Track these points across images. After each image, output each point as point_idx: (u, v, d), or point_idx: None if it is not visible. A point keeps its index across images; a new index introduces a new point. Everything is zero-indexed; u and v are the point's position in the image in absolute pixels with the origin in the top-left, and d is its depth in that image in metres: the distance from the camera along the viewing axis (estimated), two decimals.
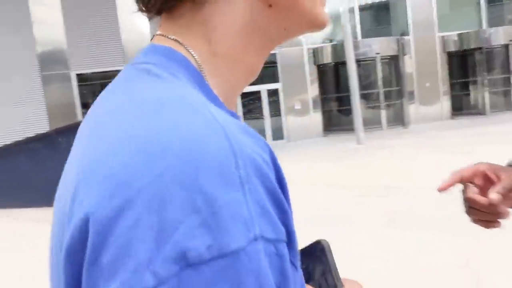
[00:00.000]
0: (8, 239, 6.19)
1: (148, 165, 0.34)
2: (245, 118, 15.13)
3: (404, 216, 4.84)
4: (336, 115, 15.99)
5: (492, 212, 0.73)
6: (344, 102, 15.02)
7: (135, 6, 0.49)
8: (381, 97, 15.31)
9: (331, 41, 16.02)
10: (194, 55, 0.45)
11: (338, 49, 14.68)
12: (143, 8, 0.47)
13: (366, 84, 15.73)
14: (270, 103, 15.31)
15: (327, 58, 15.46)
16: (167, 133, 0.35)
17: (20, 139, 9.42)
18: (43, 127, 12.96)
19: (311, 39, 15.83)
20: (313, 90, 15.51)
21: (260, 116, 15.30)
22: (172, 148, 0.34)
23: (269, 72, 15.61)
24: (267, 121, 15.28)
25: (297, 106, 15.27)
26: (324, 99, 15.82)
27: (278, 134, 15.26)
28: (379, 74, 15.31)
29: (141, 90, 0.41)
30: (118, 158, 0.35)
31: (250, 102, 15.33)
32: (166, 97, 0.39)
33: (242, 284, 0.32)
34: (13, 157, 8.11)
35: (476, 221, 0.76)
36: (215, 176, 0.33)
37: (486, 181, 0.75)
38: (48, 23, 13.17)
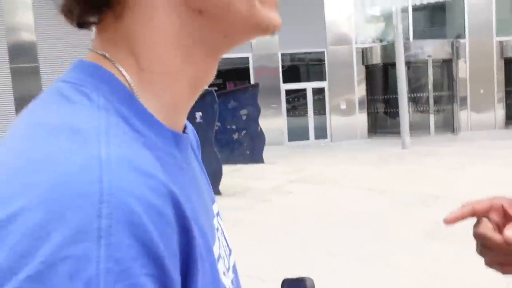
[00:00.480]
0: None
1: (1, 201, 0.30)
2: (289, 115, 15.04)
3: (445, 228, 4.62)
4: (382, 117, 15.59)
5: (509, 254, 0.61)
6: (391, 105, 14.63)
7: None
8: (431, 101, 14.78)
9: (381, 41, 15.62)
10: (122, 71, 0.41)
11: (388, 50, 14.29)
12: (67, 19, 0.43)
13: (415, 87, 15.23)
14: (315, 101, 15.14)
15: (376, 58, 15.08)
16: (37, 166, 0.31)
17: None
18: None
19: (361, 38, 15.50)
20: (360, 90, 15.20)
21: (304, 114, 15.16)
22: (35, 185, 0.30)
23: (316, 69, 15.43)
24: (311, 120, 15.12)
25: (343, 106, 15.01)
26: (370, 100, 15.46)
27: (321, 133, 15.08)
28: (430, 78, 14.77)
29: (39, 114, 0.38)
30: None
31: (295, 99, 15.21)
32: (57, 125, 0.35)
33: None
34: None
35: (490, 263, 0.65)
36: (69, 225, 0.29)
37: (504, 217, 0.64)
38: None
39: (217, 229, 0.52)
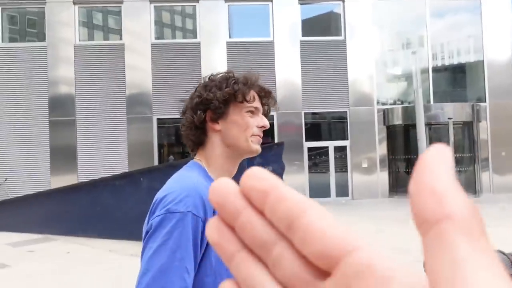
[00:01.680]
0: (82, 265, 6.79)
1: (170, 194, 1.17)
2: (311, 172, 15.38)
3: None
4: (403, 177, 15.79)
5: None
6: (411, 164, 14.87)
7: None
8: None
9: (402, 102, 16.12)
10: (203, 165, 1.31)
11: (408, 111, 14.74)
12: (190, 151, 1.36)
13: None
14: (336, 159, 15.51)
15: (397, 119, 15.53)
16: (180, 186, 1.18)
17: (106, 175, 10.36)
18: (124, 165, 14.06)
19: (382, 99, 16.06)
20: (381, 149, 15.54)
21: (326, 171, 15.49)
22: (178, 191, 1.16)
23: (338, 128, 15.93)
24: (332, 177, 15.42)
25: (364, 164, 15.32)
26: (391, 160, 15.76)
27: (343, 191, 15.31)
28: (451, 139, 15.07)
29: (183, 170, 1.29)
30: (161, 193, 1.20)
31: (317, 156, 15.62)
32: (186, 174, 1.25)
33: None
34: (98, 191, 8.94)
35: None
36: (184, 200, 1.15)
37: None
38: (139, 69, 14.53)
39: None
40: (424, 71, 15.76)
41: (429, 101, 15.53)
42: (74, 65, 14.84)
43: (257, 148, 1.30)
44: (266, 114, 1.37)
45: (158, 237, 1.10)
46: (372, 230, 8.95)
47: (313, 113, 15.72)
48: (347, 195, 15.25)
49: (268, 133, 15.19)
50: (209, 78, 1.34)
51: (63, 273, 6.53)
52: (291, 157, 14.45)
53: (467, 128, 15.32)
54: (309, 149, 15.42)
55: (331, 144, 15.56)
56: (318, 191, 15.17)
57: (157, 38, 15.46)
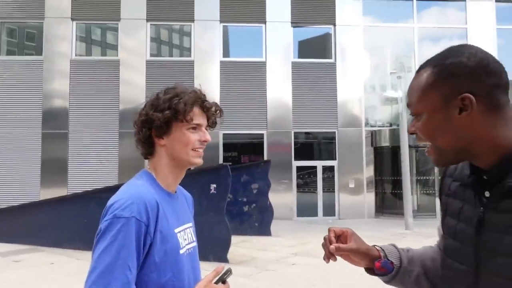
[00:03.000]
0: (64, 275, 6.94)
1: (118, 201, 1.33)
2: (299, 191, 15.60)
3: None
4: (389, 198, 16.05)
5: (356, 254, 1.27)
6: (398, 186, 15.14)
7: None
8: (436, 184, 15.27)
9: (390, 125, 16.47)
10: (152, 174, 1.48)
11: (396, 133, 15.05)
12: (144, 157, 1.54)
13: (423, 170, 15.82)
14: (324, 179, 15.75)
15: (385, 141, 15.85)
16: (127, 194, 1.35)
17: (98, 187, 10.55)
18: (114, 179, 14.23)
19: (370, 121, 16.41)
20: (368, 170, 15.81)
21: (313, 190, 15.72)
22: (125, 198, 1.33)
23: (327, 148, 16.21)
24: (320, 197, 15.64)
25: (351, 185, 15.57)
26: (378, 181, 16.03)
27: (329, 210, 15.51)
28: None
29: (132, 180, 1.46)
30: (111, 200, 1.36)
31: (306, 176, 15.86)
32: (135, 183, 1.42)
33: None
34: (85, 203, 9.12)
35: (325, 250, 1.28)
36: (130, 207, 1.31)
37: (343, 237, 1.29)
38: (133, 85, 14.82)
39: (186, 228, 1.51)
40: None
41: None
42: (69, 79, 15.12)
43: (198, 161, 1.47)
44: (212, 125, 1.52)
45: (106, 239, 1.27)
46: None
47: (303, 133, 16.02)
48: (334, 214, 15.46)
49: (257, 152, 15.46)
50: (157, 95, 1.47)
51: (44, 283, 6.69)
52: (280, 176, 14.70)
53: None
54: (298, 168, 15.67)
55: (319, 164, 15.83)
56: (305, 210, 15.37)
57: (152, 55, 15.81)
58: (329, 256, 1.27)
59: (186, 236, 1.47)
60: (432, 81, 1.04)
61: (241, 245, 9.39)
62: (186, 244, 1.46)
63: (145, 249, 1.31)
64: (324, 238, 1.30)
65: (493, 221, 1.01)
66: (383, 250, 1.30)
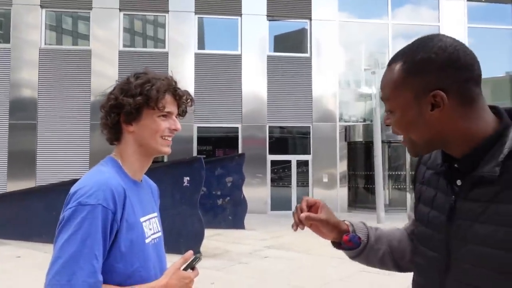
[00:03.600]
0: (32, 269, 6.73)
1: (82, 188, 1.28)
2: (273, 185, 15.61)
3: None
4: (362, 192, 16.25)
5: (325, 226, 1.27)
6: (370, 180, 15.35)
7: None
8: (408, 179, 15.55)
9: (364, 120, 16.65)
10: (118, 161, 1.42)
11: (369, 129, 15.23)
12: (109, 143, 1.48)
13: (395, 165, 16.07)
14: (299, 173, 15.81)
15: (358, 136, 16.03)
16: (92, 181, 1.30)
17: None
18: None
19: (345, 116, 16.55)
20: (342, 165, 15.95)
21: (287, 185, 15.77)
22: (90, 185, 1.28)
23: (301, 143, 16.27)
24: (294, 191, 15.70)
25: (325, 179, 15.68)
26: (351, 175, 16.20)
27: None
28: (408, 157, 15.66)
29: (97, 166, 1.41)
30: (74, 187, 1.30)
31: (280, 170, 15.88)
32: (99, 170, 1.37)
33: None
34: (53, 196, 8.86)
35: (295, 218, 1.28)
36: (95, 193, 1.26)
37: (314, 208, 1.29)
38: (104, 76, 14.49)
39: (151, 218, 1.46)
40: None
41: None
42: (38, 69, 14.67)
43: (166, 150, 1.43)
44: (182, 114, 1.49)
45: (70, 227, 1.21)
46: (325, 241, 9.19)
47: (277, 127, 16.02)
48: None
49: (232, 145, 15.39)
50: (127, 79, 1.41)
51: (11, 277, 6.47)
52: (254, 170, 14.67)
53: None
54: (272, 162, 15.67)
55: (293, 158, 15.87)
56: (279, 204, 15.40)
57: (125, 45, 15.49)
58: (298, 223, 1.27)
59: (151, 226, 1.43)
60: (402, 78, 1.04)
61: (214, 238, 9.32)
62: (152, 234, 1.42)
63: (111, 237, 1.27)
64: (296, 207, 1.30)
65: (464, 209, 1.03)
66: (352, 225, 1.32)
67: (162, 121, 1.40)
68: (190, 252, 1.43)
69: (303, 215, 1.25)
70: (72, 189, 1.29)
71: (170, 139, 1.44)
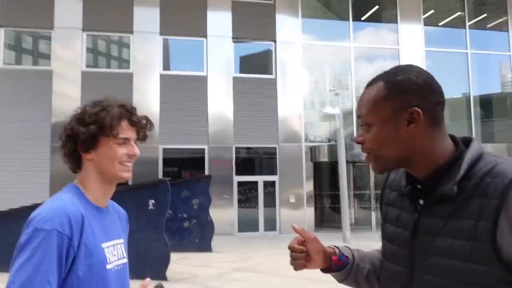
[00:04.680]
0: None
1: (39, 214, 1.28)
2: (240, 207, 15.50)
3: None
4: (328, 212, 16.38)
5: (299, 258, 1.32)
6: (336, 200, 15.48)
7: None
8: (372, 198, 15.79)
9: (329, 140, 16.89)
10: (80, 187, 1.43)
11: (334, 149, 15.43)
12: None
13: (360, 184, 16.32)
14: (265, 194, 15.78)
15: (324, 156, 16.21)
16: (50, 207, 1.30)
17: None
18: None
19: (310, 137, 16.74)
20: (308, 185, 16.04)
21: (254, 206, 15.69)
22: (47, 210, 1.28)
23: (268, 164, 16.30)
24: (261, 212, 15.64)
25: (292, 200, 15.71)
26: (318, 195, 16.31)
27: (271, 225, 15.53)
28: (372, 177, 15.94)
29: (58, 193, 1.40)
30: (33, 213, 1.30)
31: (247, 191, 15.81)
32: (60, 197, 1.37)
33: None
34: (10, 222, 8.46)
35: (292, 262, 1.33)
36: (51, 220, 1.26)
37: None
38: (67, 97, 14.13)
39: (116, 244, 1.45)
40: (348, 112, 16.70)
41: (352, 140, 16.38)
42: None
43: (126, 175, 1.44)
44: (142, 138, 1.49)
45: (26, 252, 1.22)
46: None
47: (244, 148, 16.01)
48: (275, 229, 15.49)
49: (199, 167, 15.24)
50: (84, 109, 1.44)
51: None
52: (220, 191, 14.54)
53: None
54: (239, 183, 15.59)
55: (260, 179, 15.85)
56: (246, 225, 15.28)
57: (88, 66, 15.22)
58: (303, 258, 1.34)
59: (115, 252, 1.44)
60: (384, 95, 1.15)
61: (181, 262, 9.11)
62: (115, 260, 1.42)
63: (68, 262, 1.27)
64: (290, 247, 1.36)
65: (426, 226, 1.14)
66: (337, 247, 1.40)
67: (119, 148, 1.41)
68: (148, 279, 1.44)
69: (296, 227, 1.35)
70: (31, 215, 1.29)
71: (129, 164, 1.45)
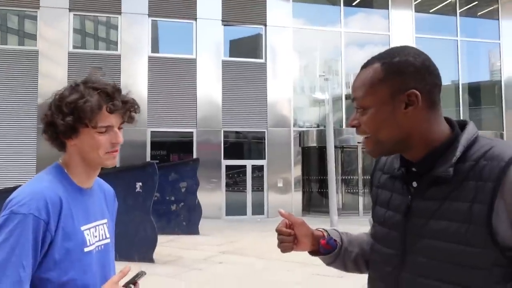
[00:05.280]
0: None
1: (17, 197, 1.26)
2: (228, 190, 15.54)
3: None
4: (316, 197, 16.48)
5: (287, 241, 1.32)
6: (324, 185, 15.58)
7: None
8: (360, 183, 15.93)
9: (318, 125, 16.92)
10: (63, 167, 1.39)
11: (322, 134, 15.47)
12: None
13: (348, 170, 16.42)
14: (254, 178, 15.83)
15: (312, 141, 16.25)
16: (27, 190, 1.28)
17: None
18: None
19: (299, 122, 16.75)
20: (296, 170, 16.11)
21: (243, 189, 15.74)
22: (24, 194, 1.26)
23: (256, 148, 16.31)
24: (249, 196, 15.70)
25: (280, 184, 15.78)
26: (305, 180, 16.40)
27: (258, 209, 15.61)
28: (360, 162, 16.06)
29: (40, 174, 1.38)
30: (12, 195, 1.28)
31: (235, 175, 15.84)
32: (40, 177, 1.35)
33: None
34: None
35: (279, 245, 1.33)
36: (28, 203, 1.24)
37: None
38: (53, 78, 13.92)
39: (98, 225, 1.43)
40: (338, 98, 16.72)
41: (341, 126, 16.45)
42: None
43: (111, 162, 1.39)
44: (129, 121, 1.42)
45: (1, 235, 1.21)
46: None
47: (233, 132, 15.99)
48: (262, 213, 15.57)
49: (187, 150, 15.20)
50: (62, 95, 1.35)
51: None
52: (209, 175, 14.54)
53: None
54: (227, 167, 15.60)
55: (248, 163, 15.87)
56: (234, 209, 15.35)
57: (75, 47, 14.98)
58: (290, 241, 1.34)
59: (96, 233, 1.41)
60: (381, 76, 1.12)
61: (168, 245, 9.14)
62: (96, 241, 1.40)
63: (44, 247, 1.25)
64: (278, 230, 1.36)
65: (420, 208, 1.13)
66: (326, 230, 1.39)
67: (101, 136, 1.34)
68: (128, 266, 1.39)
69: (282, 212, 1.33)
70: (9, 198, 1.27)
71: (114, 152, 1.38)
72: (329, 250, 1.35)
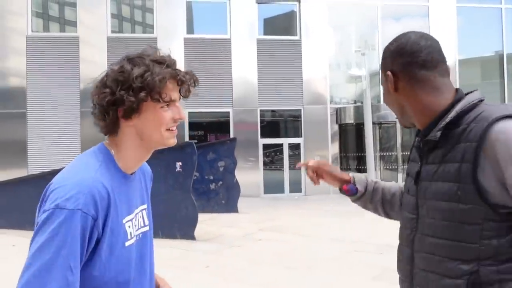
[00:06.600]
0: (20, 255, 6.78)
1: (61, 188, 1.13)
2: (265, 169, 15.69)
3: (392, 272, 5.21)
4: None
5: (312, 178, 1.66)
6: (362, 162, 15.48)
7: None
8: (399, 160, 15.70)
9: (355, 102, 16.70)
10: (112, 151, 1.26)
11: (360, 111, 15.28)
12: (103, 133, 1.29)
13: (386, 146, 16.19)
14: (291, 156, 15.89)
15: (349, 118, 16.08)
16: (73, 181, 1.14)
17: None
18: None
19: (335, 99, 16.59)
20: (333, 147, 16.05)
21: (280, 168, 15.86)
22: (70, 186, 1.12)
23: (292, 126, 16.32)
24: (286, 174, 15.80)
25: None
26: (343, 157, 16.31)
27: (296, 187, 15.71)
28: (399, 138, 15.79)
29: (83, 157, 1.26)
30: (54, 184, 1.16)
31: (272, 153, 15.95)
32: (85, 163, 1.22)
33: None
34: (46, 184, 8.86)
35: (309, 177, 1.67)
36: (76, 196, 1.11)
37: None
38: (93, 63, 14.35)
39: (138, 213, 1.34)
40: (375, 73, 16.40)
41: (379, 101, 16.17)
42: (26, 57, 14.49)
43: (172, 141, 1.29)
44: (186, 95, 1.32)
45: (45, 232, 1.07)
46: (317, 222, 9.36)
47: (269, 111, 16.04)
48: (300, 191, 15.67)
49: (224, 130, 15.41)
50: (122, 68, 1.23)
51: (6, 265, 6.51)
52: (246, 154, 14.72)
53: (414, 128, 16.03)
54: (264, 146, 15.73)
55: (285, 141, 15.94)
56: (272, 187, 15.51)
57: (113, 31, 15.33)
58: (312, 175, 1.65)
59: (136, 222, 1.31)
60: (380, 62, 1.39)
61: (208, 223, 9.41)
62: (136, 230, 1.30)
63: (91, 245, 1.13)
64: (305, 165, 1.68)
65: (424, 172, 1.26)
66: (353, 177, 1.63)
67: (165, 112, 1.24)
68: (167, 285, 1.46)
69: (311, 163, 1.65)
70: (51, 185, 1.15)
71: (175, 129, 1.29)
72: (349, 195, 1.60)
